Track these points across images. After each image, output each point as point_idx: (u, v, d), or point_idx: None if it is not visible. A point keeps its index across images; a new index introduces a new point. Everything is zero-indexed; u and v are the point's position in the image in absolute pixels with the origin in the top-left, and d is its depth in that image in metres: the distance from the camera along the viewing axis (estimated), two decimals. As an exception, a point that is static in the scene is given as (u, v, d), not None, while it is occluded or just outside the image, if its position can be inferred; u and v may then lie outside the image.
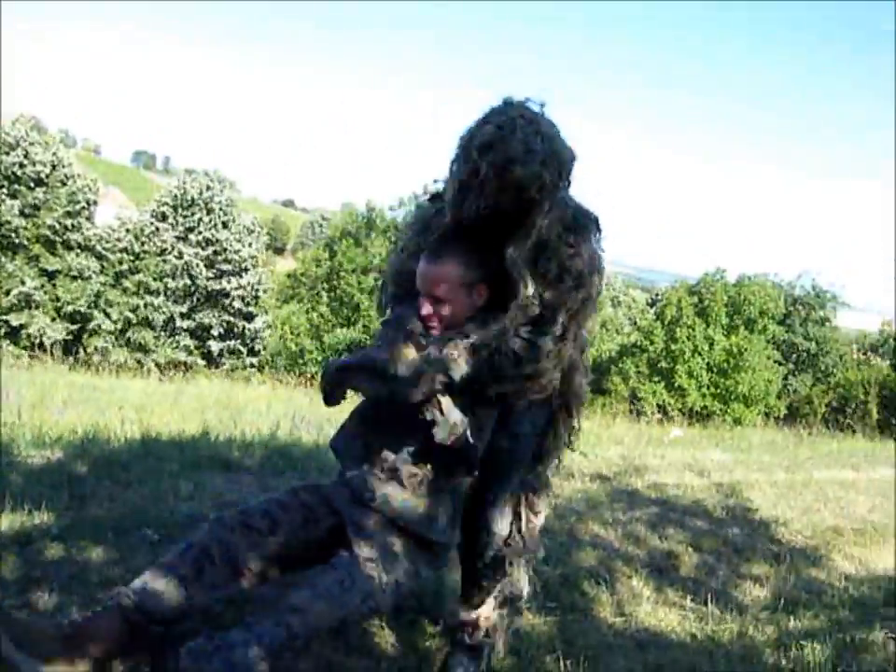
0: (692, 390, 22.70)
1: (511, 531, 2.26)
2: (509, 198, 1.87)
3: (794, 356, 27.00)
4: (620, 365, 24.96)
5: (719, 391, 22.91)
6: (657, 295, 40.87)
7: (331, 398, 2.11)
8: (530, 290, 1.97)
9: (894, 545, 5.34)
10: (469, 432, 1.98)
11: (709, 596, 3.41)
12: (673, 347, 23.05)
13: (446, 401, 1.97)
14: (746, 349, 22.77)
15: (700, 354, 22.87)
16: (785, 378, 27.05)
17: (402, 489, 2.01)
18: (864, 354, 31.76)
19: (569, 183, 2.03)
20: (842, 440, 19.13)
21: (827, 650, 2.74)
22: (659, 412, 22.84)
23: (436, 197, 2.25)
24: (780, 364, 25.67)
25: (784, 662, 2.72)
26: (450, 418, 1.96)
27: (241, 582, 1.91)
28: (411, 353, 1.96)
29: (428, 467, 2.04)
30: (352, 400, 2.20)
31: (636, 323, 32.49)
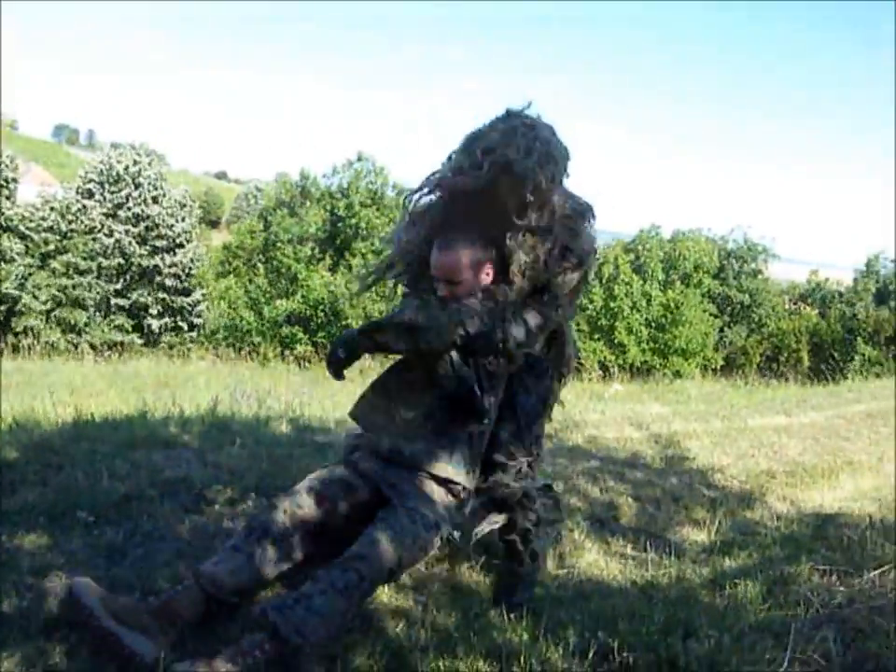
0: (631, 346, 23.07)
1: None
2: (507, 192, 2.22)
3: (729, 308, 27.59)
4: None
5: (658, 346, 23.33)
6: (601, 252, 41.25)
7: (341, 370, 2.31)
8: (518, 278, 2.32)
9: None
10: (476, 385, 2.31)
11: (649, 543, 3.51)
12: (612, 305, 23.35)
13: (456, 357, 2.30)
14: (682, 303, 23.20)
15: (638, 310, 23.22)
16: (721, 330, 27.65)
17: (425, 442, 2.34)
18: (795, 303, 32.63)
19: (567, 177, 2.39)
20: (776, 387, 19.73)
21: (758, 585, 2.84)
22: (600, 369, 23.21)
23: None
24: (716, 317, 26.22)
25: (719, 600, 2.80)
26: (459, 371, 2.31)
27: (297, 555, 2.23)
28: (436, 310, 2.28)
29: (444, 419, 2.35)
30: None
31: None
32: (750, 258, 27.79)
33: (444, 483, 2.34)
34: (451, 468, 2.34)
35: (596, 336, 23.69)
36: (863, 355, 22.81)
